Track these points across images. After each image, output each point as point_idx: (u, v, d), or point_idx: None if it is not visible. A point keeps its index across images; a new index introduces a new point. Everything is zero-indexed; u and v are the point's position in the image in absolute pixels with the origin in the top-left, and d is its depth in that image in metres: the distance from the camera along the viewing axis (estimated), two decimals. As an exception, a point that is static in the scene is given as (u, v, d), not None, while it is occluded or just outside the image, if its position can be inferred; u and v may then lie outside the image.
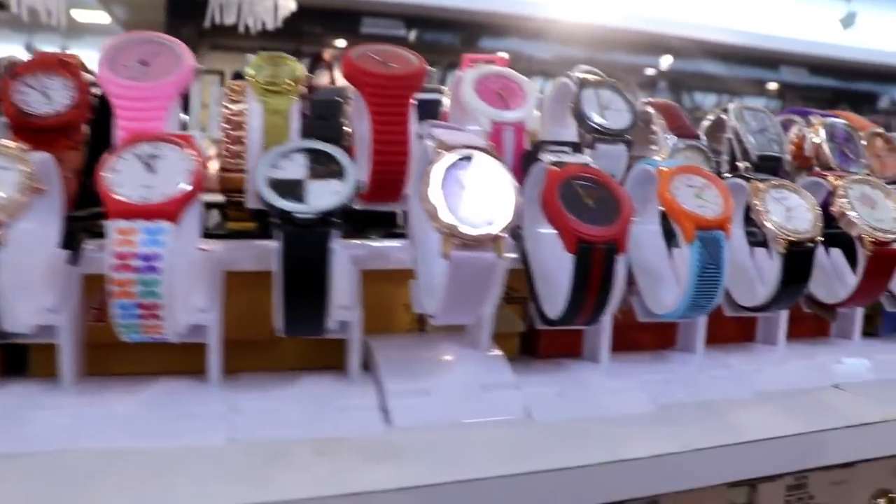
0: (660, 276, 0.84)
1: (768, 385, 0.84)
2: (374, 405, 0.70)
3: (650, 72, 6.34)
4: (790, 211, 0.84)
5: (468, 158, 0.69)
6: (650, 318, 0.83)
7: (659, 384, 0.79)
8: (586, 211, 0.72)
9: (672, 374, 0.81)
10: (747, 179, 0.87)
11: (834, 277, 0.94)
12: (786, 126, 1.14)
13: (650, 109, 1.02)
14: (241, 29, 3.53)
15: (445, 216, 0.65)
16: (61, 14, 3.28)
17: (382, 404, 0.70)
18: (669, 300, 0.80)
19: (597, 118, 0.88)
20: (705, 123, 1.11)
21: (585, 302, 0.72)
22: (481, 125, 0.84)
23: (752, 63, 6.36)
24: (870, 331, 1.10)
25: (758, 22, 5.90)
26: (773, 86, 6.58)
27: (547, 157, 0.77)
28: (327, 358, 0.77)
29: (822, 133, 1.06)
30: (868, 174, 1.02)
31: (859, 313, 0.98)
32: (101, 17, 5.55)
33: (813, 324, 1.01)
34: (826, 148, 1.05)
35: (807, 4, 5.93)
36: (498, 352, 0.79)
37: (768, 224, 0.82)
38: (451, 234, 0.65)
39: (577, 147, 0.81)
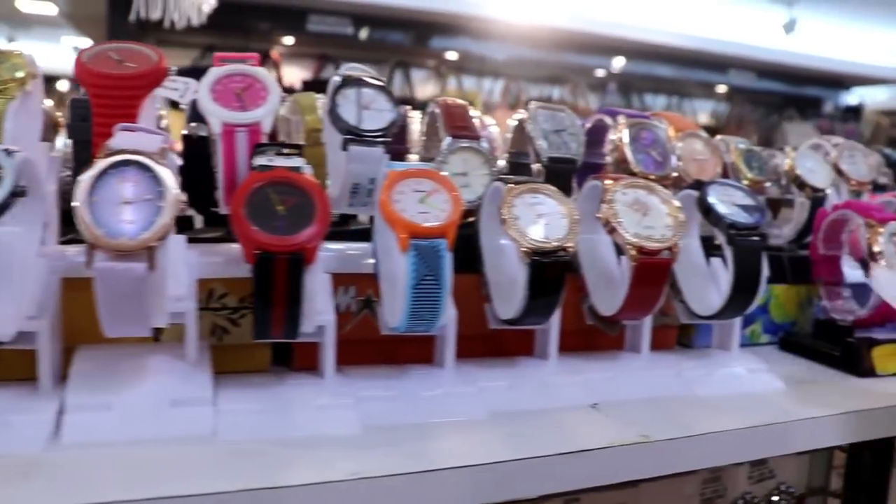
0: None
1: (511, 405, 0.77)
2: (48, 420, 0.64)
3: (600, 73, 6.29)
4: (542, 217, 0.78)
5: (127, 164, 0.61)
6: (387, 330, 0.76)
7: (382, 402, 0.73)
8: (275, 219, 0.65)
9: (391, 390, 0.74)
10: (505, 182, 0.81)
11: (612, 287, 0.88)
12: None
13: (437, 110, 0.95)
14: (167, 24, 3.42)
15: (90, 226, 0.58)
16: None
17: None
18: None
19: (350, 119, 0.82)
20: (511, 124, 1.05)
21: (271, 315, 0.65)
22: (213, 127, 0.77)
23: (702, 66, 6.34)
24: (685, 342, 1.05)
25: (707, 26, 5.89)
26: (722, 89, 6.56)
27: (255, 161, 0.70)
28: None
29: (626, 135, 1.00)
30: (659, 177, 0.97)
31: (647, 325, 0.92)
32: (48, 9, 5.42)
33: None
34: (627, 150, 0.99)
35: (752, 10, 5.92)
36: (206, 365, 0.72)
37: (510, 232, 0.75)
38: (96, 246, 0.58)
39: (300, 149, 0.74)
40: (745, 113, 6.63)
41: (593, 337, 0.93)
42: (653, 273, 0.80)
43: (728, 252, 0.86)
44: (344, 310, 0.83)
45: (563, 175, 0.94)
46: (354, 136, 0.81)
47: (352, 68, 0.90)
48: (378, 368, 0.80)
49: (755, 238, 0.86)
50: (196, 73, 0.89)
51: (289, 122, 1.03)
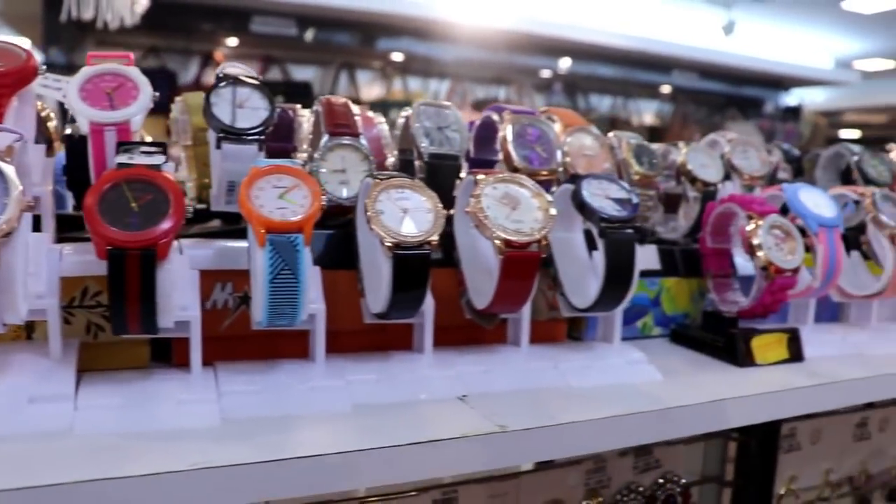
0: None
1: (377, 398, 0.79)
2: None
3: (546, 74, 6.35)
4: (407, 212, 0.79)
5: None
6: (255, 325, 0.77)
7: (246, 396, 0.74)
8: (128, 215, 0.66)
9: (257, 385, 0.75)
10: (374, 178, 0.82)
11: (488, 281, 0.90)
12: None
13: (320, 108, 0.97)
14: (100, 25, 3.37)
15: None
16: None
17: None
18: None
19: (224, 117, 0.83)
20: (400, 121, 1.07)
21: (126, 310, 0.66)
22: (81, 126, 0.78)
23: (646, 67, 6.44)
24: (577, 335, 1.08)
25: (651, 27, 5.98)
26: (666, 89, 6.67)
27: (117, 159, 0.71)
28: None
29: (510, 131, 1.03)
30: (545, 173, 0.99)
31: (525, 318, 0.94)
32: (-22, 9, 5.30)
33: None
34: (510, 146, 1.01)
35: (693, 12, 6.04)
36: (71, 362, 0.73)
37: (374, 227, 0.77)
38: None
39: (163, 147, 0.75)
40: (688, 113, 6.75)
41: (480, 332, 0.95)
42: (521, 266, 0.82)
43: (600, 245, 0.88)
44: (222, 306, 0.84)
45: (444, 171, 0.96)
46: (227, 134, 0.82)
47: (230, 66, 0.91)
48: (252, 364, 0.81)
49: (628, 231, 0.89)
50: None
51: (177, 122, 1.04)
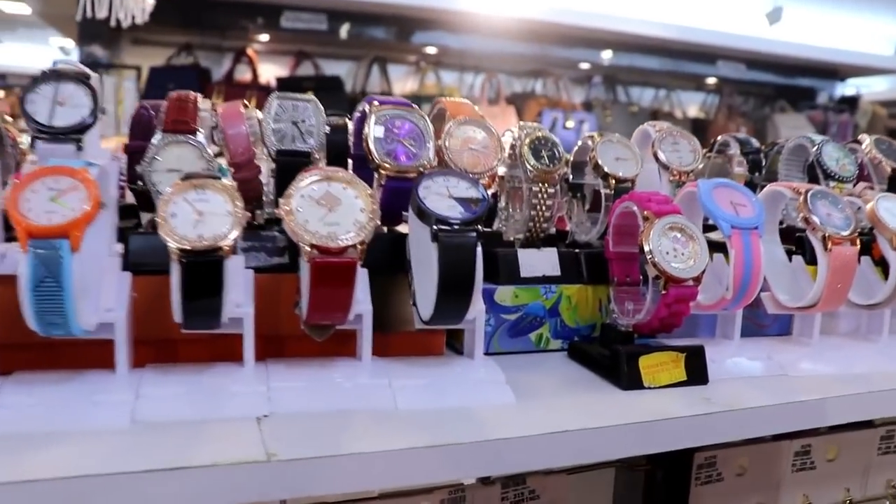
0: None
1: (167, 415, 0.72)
2: None
3: (584, 66, 6.19)
4: (203, 215, 0.72)
5: None
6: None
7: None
8: None
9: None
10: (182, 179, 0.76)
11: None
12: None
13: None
14: (113, 23, 3.41)
15: None
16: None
17: None
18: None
19: (41, 116, 0.78)
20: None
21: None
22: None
23: (689, 58, 6.20)
24: (458, 347, 0.99)
25: (694, 16, 5.77)
26: (711, 81, 6.42)
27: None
28: None
29: (373, 125, 0.95)
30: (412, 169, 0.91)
31: (367, 330, 0.85)
32: (21, 8, 5.45)
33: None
34: (371, 141, 0.93)
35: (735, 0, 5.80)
36: None
37: (161, 233, 0.70)
38: None
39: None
40: (734, 105, 6.49)
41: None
42: (332, 274, 0.75)
43: (433, 250, 0.80)
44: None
45: (293, 168, 0.89)
46: (42, 132, 0.78)
47: (61, 62, 0.86)
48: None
49: (466, 234, 0.81)
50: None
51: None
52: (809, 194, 1.05)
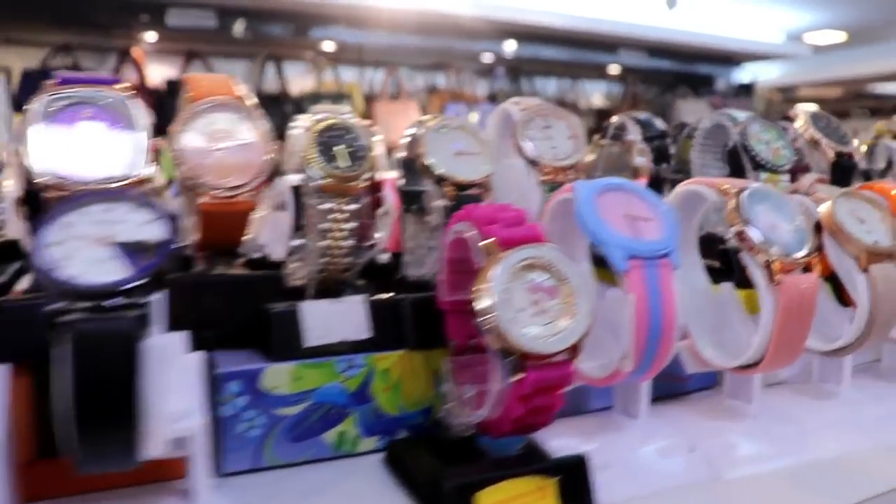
0: None
1: None
2: None
3: (488, 58, 5.80)
4: None
5: None
6: None
7: None
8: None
9: None
10: None
11: None
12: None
13: None
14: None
15: None
16: None
17: None
18: None
19: None
20: None
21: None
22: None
23: (592, 47, 5.90)
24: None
25: (594, 6, 5.47)
26: (614, 69, 6.14)
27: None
28: None
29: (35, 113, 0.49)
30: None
31: None
32: None
33: None
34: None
35: (633, -15, 5.50)
36: None
37: None
38: None
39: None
40: (638, 93, 6.23)
41: None
42: None
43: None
44: None
45: None
46: None
47: None
48: None
49: (113, 319, 0.37)
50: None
51: None
52: (745, 196, 0.66)
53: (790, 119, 0.99)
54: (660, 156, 0.96)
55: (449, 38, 5.54)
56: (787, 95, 6.86)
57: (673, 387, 0.80)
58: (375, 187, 0.67)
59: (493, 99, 5.69)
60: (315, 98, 5.19)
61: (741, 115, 0.91)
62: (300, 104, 5.03)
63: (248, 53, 5.25)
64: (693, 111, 6.03)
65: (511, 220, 0.56)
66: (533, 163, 0.75)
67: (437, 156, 0.68)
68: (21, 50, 4.74)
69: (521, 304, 0.52)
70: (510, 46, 5.73)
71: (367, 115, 5.24)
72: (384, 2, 5.02)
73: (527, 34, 5.57)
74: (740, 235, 0.64)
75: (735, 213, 0.65)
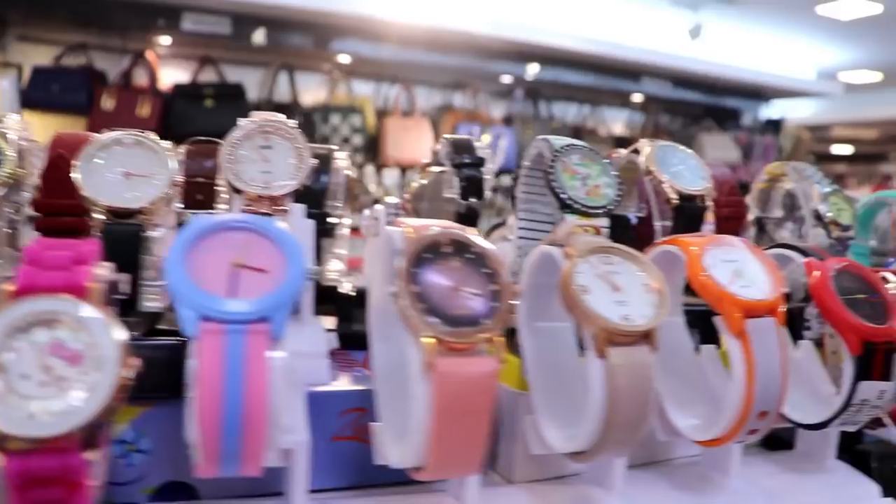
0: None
1: None
2: None
3: (507, 80, 5.66)
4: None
5: None
6: None
7: None
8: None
9: None
10: None
11: None
12: None
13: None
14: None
15: None
16: None
17: None
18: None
19: None
20: None
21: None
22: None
23: (614, 74, 5.70)
24: None
25: (619, 32, 5.29)
26: (637, 98, 5.93)
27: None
28: None
29: None
30: None
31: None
32: None
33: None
34: None
35: (659, 15, 5.31)
36: None
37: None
38: None
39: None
40: (661, 123, 6.01)
41: None
42: None
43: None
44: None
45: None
46: None
47: None
48: None
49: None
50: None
51: None
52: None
53: (639, 150, 0.82)
54: (470, 186, 0.79)
55: (468, 58, 5.41)
56: (820, 134, 6.56)
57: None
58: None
59: (509, 121, 5.53)
60: (325, 110, 5.12)
61: (560, 141, 0.74)
62: (310, 115, 4.95)
63: (262, 62, 5.20)
64: (717, 145, 5.78)
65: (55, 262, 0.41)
66: (234, 191, 0.60)
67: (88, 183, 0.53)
68: (35, 47, 4.75)
69: (25, 370, 0.37)
70: (532, 69, 5.58)
71: (378, 130, 5.14)
72: (404, 17, 4.93)
73: (549, 57, 5.40)
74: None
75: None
